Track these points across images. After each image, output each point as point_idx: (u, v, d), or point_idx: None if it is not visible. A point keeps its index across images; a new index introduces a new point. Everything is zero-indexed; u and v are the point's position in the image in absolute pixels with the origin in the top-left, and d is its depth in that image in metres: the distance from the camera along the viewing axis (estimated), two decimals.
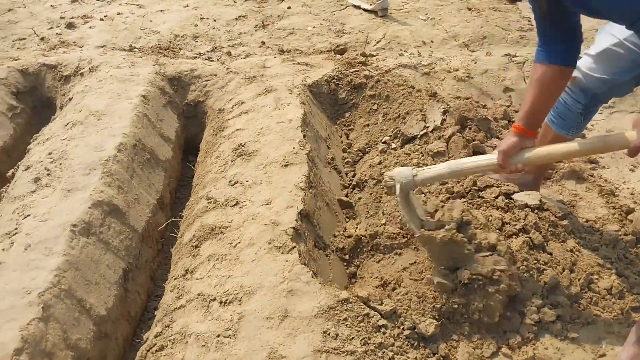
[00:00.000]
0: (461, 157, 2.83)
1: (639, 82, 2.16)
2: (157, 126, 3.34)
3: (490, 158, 2.05)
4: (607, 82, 2.17)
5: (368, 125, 3.43)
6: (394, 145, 3.14)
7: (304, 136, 2.98)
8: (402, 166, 2.28)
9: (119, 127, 3.03)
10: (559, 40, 1.96)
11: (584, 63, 2.22)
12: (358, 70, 3.67)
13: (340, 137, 3.53)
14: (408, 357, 1.89)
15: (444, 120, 3.12)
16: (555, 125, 2.38)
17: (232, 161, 2.91)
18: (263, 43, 4.49)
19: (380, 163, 3.02)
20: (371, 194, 2.87)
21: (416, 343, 1.97)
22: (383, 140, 3.21)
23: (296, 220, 2.39)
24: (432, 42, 4.39)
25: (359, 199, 2.94)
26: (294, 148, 2.86)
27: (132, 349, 2.48)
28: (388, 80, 3.55)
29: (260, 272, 2.17)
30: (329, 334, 1.89)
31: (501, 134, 3.04)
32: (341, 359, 1.81)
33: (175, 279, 2.38)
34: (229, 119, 3.35)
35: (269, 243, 2.29)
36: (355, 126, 3.52)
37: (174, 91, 3.71)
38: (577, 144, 1.92)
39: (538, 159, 2.00)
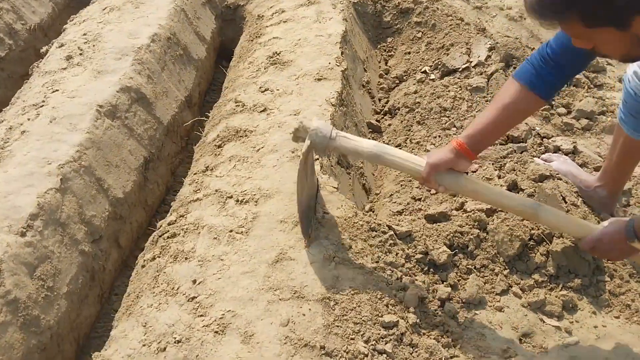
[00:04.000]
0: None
1: None
2: (194, 24, 3.26)
3: (418, 163, 1.75)
4: None
5: (409, 53, 3.30)
6: (432, 76, 3.03)
7: (342, 53, 2.89)
8: (320, 121, 1.81)
9: (155, 18, 2.97)
10: (559, 66, 1.67)
11: None
12: None
13: (379, 62, 3.42)
14: (416, 279, 1.88)
15: (488, 56, 2.98)
16: (626, 125, 1.92)
17: (265, 68, 2.84)
18: None
19: (416, 92, 2.92)
20: (402, 121, 2.80)
21: (426, 268, 1.96)
22: (423, 70, 3.10)
23: None
24: None
25: (389, 125, 2.87)
26: (329, 63, 2.77)
27: (145, 236, 2.52)
28: (437, 8, 3.38)
29: (280, 178, 2.14)
30: (343, 244, 1.87)
31: None
32: (349, 270, 1.81)
33: (195, 174, 2.37)
34: (267, 26, 3.25)
35: (292, 152, 2.25)
36: (396, 52, 3.40)
37: None
38: (509, 198, 1.80)
39: (464, 190, 1.82)
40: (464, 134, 1.75)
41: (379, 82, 3.22)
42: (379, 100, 3.12)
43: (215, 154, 2.42)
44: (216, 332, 1.65)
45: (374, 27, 3.50)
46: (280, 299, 1.71)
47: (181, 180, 2.82)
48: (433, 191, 2.34)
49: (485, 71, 2.84)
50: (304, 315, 1.67)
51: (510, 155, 2.35)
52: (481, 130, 1.73)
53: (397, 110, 2.91)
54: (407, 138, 2.69)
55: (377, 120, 2.94)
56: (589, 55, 1.67)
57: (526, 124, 2.50)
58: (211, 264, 1.84)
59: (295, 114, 2.46)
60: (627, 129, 1.93)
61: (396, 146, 2.69)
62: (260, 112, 2.53)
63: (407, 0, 3.46)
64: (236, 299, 1.73)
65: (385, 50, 3.44)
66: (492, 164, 2.34)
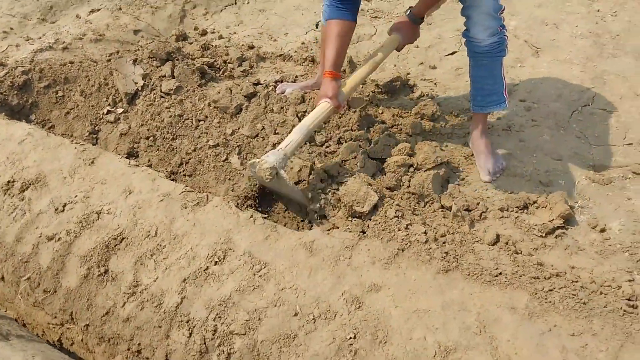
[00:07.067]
0: (196, 85, 3.27)
1: None
2: None
3: (324, 108, 2.36)
4: None
5: (69, 112, 3.32)
6: (121, 110, 3.25)
7: None
8: (262, 154, 2.47)
9: None
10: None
11: None
12: (7, 72, 3.35)
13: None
14: None
15: (148, 63, 3.36)
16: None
17: None
18: None
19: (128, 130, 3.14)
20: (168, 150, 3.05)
21: None
22: (106, 112, 3.25)
23: None
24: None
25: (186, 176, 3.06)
26: None
27: None
28: (49, 65, 3.42)
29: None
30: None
31: (187, 64, 3.54)
32: None
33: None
34: None
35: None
36: (53, 120, 3.33)
37: None
38: (370, 64, 2.55)
39: (351, 90, 2.52)
40: (328, 66, 2.39)
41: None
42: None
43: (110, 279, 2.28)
44: None
45: (12, 116, 3.27)
46: None
47: None
48: None
49: (164, 76, 3.27)
50: None
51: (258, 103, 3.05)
52: (337, 59, 2.40)
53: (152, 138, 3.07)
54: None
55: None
56: None
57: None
58: None
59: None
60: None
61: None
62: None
63: (14, 75, 3.33)
64: None
65: (42, 126, 3.32)
66: (250, 123, 2.98)
